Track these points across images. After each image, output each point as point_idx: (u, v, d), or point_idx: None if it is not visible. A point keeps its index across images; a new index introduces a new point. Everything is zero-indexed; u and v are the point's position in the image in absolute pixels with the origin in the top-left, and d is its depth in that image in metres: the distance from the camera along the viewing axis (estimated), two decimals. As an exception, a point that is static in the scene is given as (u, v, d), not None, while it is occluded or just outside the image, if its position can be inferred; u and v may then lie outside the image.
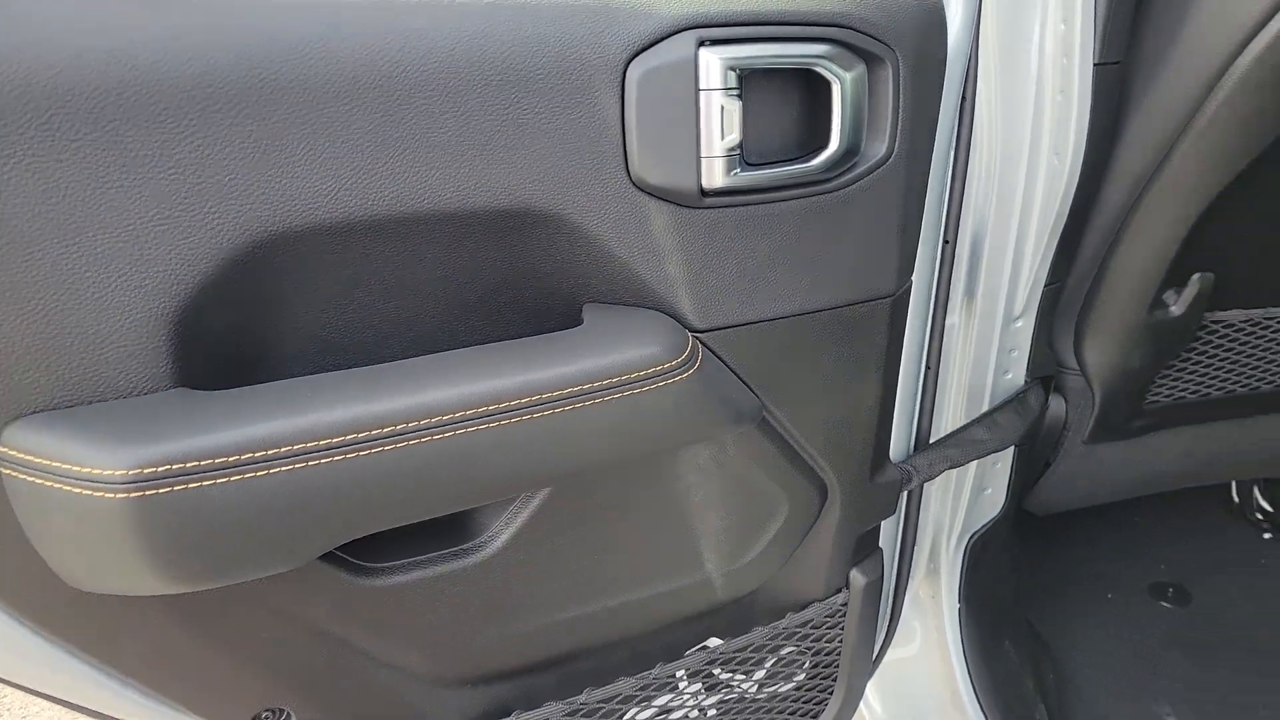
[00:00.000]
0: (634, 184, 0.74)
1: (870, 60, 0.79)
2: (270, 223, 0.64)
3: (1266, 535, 1.79)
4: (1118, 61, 1.05)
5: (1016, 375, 1.22)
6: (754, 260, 0.80)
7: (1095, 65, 1.02)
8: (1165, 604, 1.65)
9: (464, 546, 0.84)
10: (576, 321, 0.78)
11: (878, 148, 0.82)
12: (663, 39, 0.72)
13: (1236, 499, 1.86)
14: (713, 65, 0.73)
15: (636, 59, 0.71)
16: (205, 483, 0.62)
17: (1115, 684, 1.49)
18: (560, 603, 0.90)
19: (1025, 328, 1.19)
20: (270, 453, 0.63)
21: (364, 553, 0.80)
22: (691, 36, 0.72)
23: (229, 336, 0.68)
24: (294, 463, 0.64)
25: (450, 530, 0.84)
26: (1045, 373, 1.27)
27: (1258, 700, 1.44)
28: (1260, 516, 1.82)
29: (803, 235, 0.81)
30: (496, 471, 0.72)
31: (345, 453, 0.65)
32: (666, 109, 0.72)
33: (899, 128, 0.82)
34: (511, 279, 0.77)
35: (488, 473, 0.72)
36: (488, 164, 0.69)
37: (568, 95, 0.70)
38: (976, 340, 1.14)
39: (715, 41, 0.73)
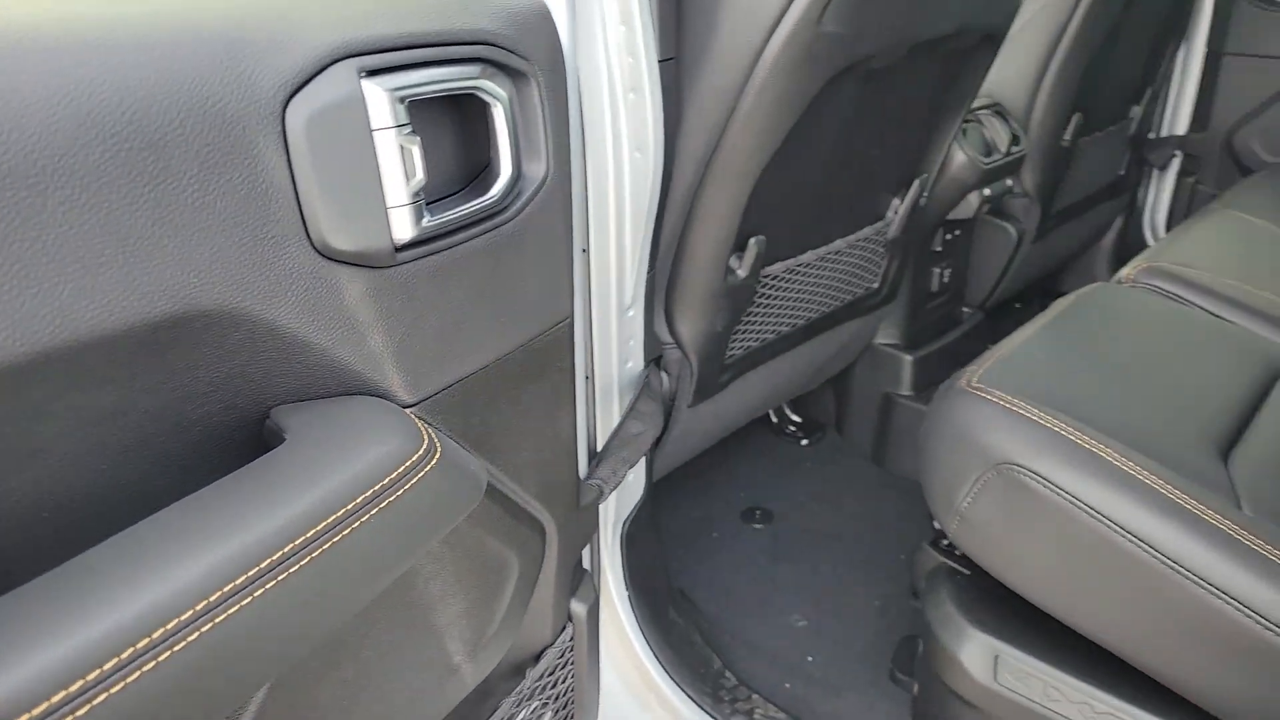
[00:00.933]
0: (319, 253, 0.61)
1: (517, 78, 0.74)
2: None
3: (805, 442, 2.11)
4: (672, 58, 1.12)
5: (637, 363, 1.26)
6: (452, 312, 0.72)
7: (659, 62, 1.08)
8: (757, 525, 1.86)
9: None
10: (270, 442, 0.63)
11: (537, 169, 0.78)
12: (318, 73, 0.59)
13: (774, 419, 2.16)
14: (380, 99, 0.62)
15: (294, 100, 0.58)
16: None
17: (749, 610, 1.65)
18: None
19: (637, 316, 1.23)
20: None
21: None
22: (350, 67, 0.61)
23: None
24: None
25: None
26: (653, 354, 1.34)
27: (860, 589, 1.70)
28: (794, 428, 2.14)
29: (493, 274, 0.75)
30: (232, 679, 0.53)
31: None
32: (341, 158, 0.60)
33: (549, 145, 0.79)
34: (176, 404, 0.59)
35: (219, 683, 0.53)
36: (128, 266, 0.51)
37: (220, 155, 0.55)
38: (598, 336, 1.16)
39: (375, 71, 0.62)
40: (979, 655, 1.18)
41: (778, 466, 2.05)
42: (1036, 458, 1.08)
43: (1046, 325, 1.38)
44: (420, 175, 0.65)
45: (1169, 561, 0.99)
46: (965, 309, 2.20)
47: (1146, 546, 1.00)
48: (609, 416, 1.19)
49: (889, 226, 1.66)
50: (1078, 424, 1.10)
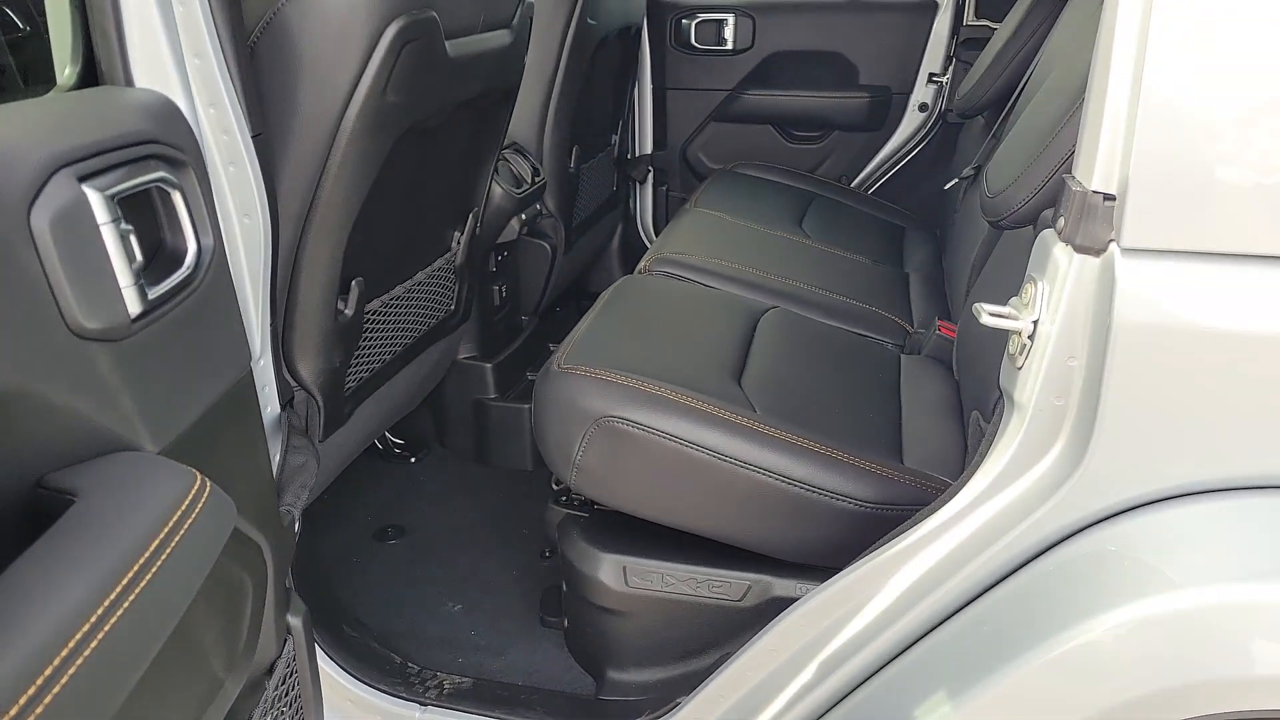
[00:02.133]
0: (74, 334, 0.73)
1: (179, 166, 0.90)
2: None
3: (414, 460, 2.32)
4: (261, 133, 1.29)
5: (274, 407, 1.40)
6: (176, 368, 0.86)
7: (253, 137, 1.25)
8: (393, 541, 2.05)
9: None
10: (51, 505, 0.72)
11: (208, 240, 0.94)
12: (46, 182, 0.72)
13: (380, 445, 2.34)
14: (98, 200, 0.76)
15: (35, 207, 0.70)
16: None
17: (409, 609, 1.84)
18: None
19: (267, 365, 1.37)
20: None
21: None
22: (69, 175, 0.74)
23: None
24: None
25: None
26: (286, 398, 1.48)
27: (497, 566, 1.97)
28: (400, 450, 2.34)
29: (198, 331, 0.89)
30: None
31: None
32: (80, 251, 0.73)
33: (210, 218, 0.95)
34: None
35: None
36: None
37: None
38: None
39: (89, 175, 0.76)
40: (612, 570, 1.52)
41: (396, 487, 2.24)
42: (623, 408, 1.44)
43: (600, 313, 1.76)
44: (139, 258, 0.79)
45: (723, 456, 1.40)
46: (524, 317, 2.57)
47: (707, 450, 1.40)
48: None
49: (455, 256, 1.94)
50: (644, 378, 1.48)
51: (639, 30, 2.89)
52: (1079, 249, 0.93)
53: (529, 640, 1.78)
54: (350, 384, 1.69)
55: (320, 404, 1.58)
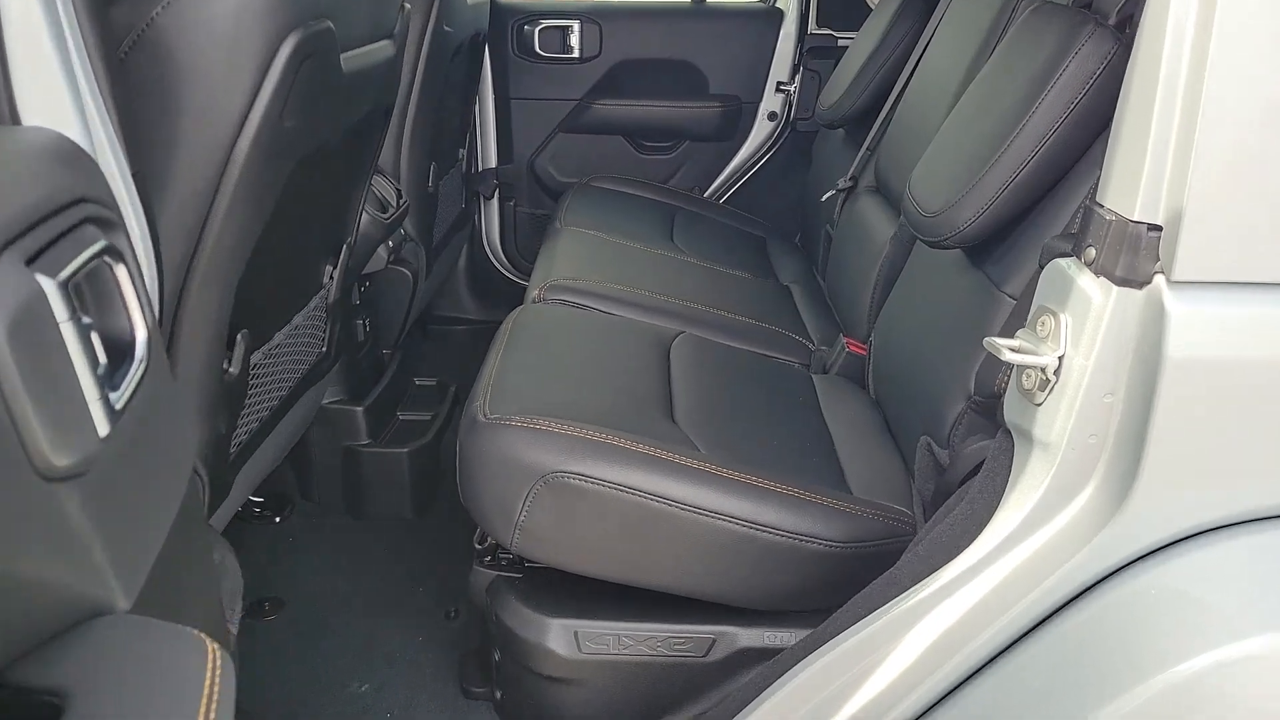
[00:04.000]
0: (43, 477, 0.54)
1: (112, 228, 0.70)
2: None
3: (278, 520, 2.06)
4: (139, 170, 1.07)
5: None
6: (140, 493, 0.67)
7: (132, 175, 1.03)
8: (271, 617, 1.80)
9: None
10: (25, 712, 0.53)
11: (152, 318, 0.74)
12: None
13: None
14: (53, 291, 0.57)
15: None
16: None
17: (307, 697, 1.61)
18: None
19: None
20: None
21: None
22: (15, 258, 0.55)
23: None
24: None
25: None
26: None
27: (398, 636, 1.77)
28: (259, 510, 2.08)
29: (154, 435, 0.70)
30: None
31: None
32: (44, 363, 0.54)
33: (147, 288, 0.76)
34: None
35: None
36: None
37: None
38: None
39: (34, 257, 0.57)
40: (562, 636, 1.38)
41: (264, 553, 1.98)
42: (571, 461, 1.30)
43: (506, 349, 1.61)
44: (103, 359, 0.60)
45: (685, 506, 1.30)
46: (385, 351, 2.35)
47: (668, 501, 1.30)
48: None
49: (329, 292, 1.73)
50: (585, 424, 1.35)
51: (485, 37, 2.73)
52: (1119, 281, 0.90)
53: (453, 716, 1.60)
54: (233, 450, 1.46)
55: (206, 480, 1.35)
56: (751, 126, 3.00)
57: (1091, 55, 1.25)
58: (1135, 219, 0.88)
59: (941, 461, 1.39)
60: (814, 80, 2.91)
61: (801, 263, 2.56)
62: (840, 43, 2.92)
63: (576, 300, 1.91)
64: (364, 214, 1.91)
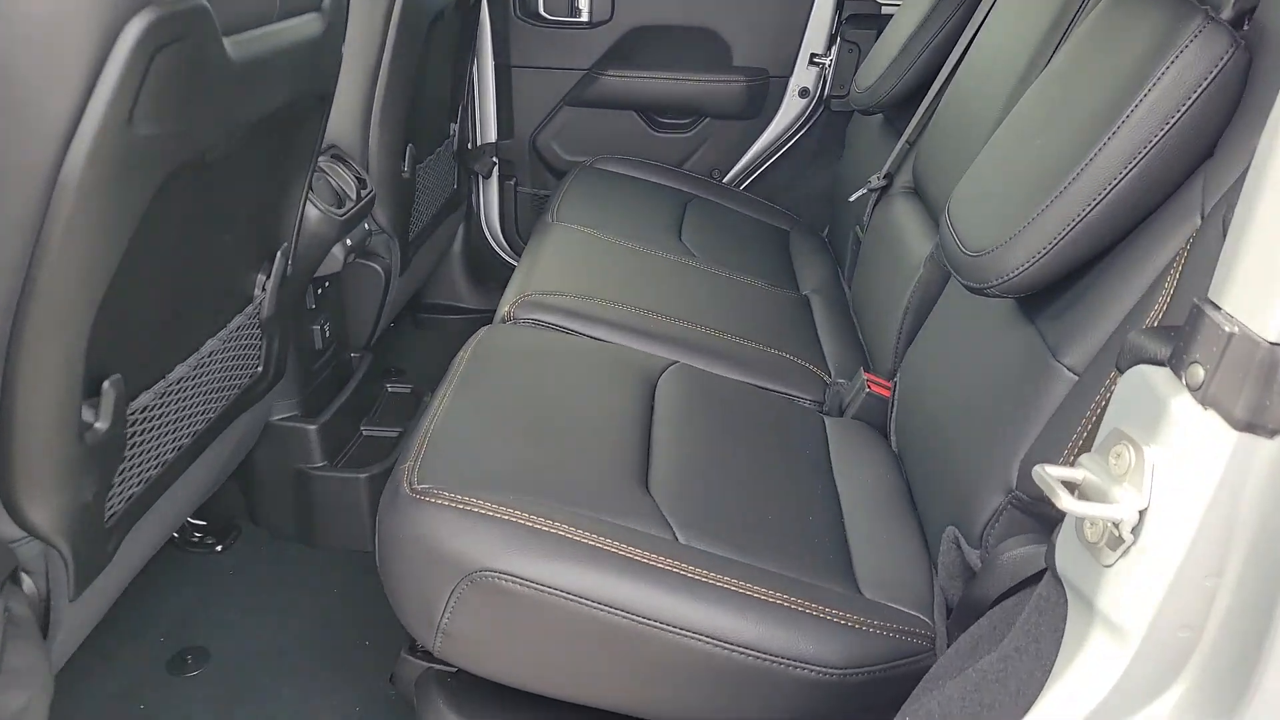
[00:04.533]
0: None
1: None
2: None
3: (220, 549, 1.84)
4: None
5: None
6: None
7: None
8: (192, 673, 1.58)
9: None
10: None
11: None
12: None
13: (175, 533, 1.84)
14: None
15: None
16: None
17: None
18: None
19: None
20: None
21: None
22: None
23: None
24: None
25: None
26: (6, 567, 1.01)
27: (333, 709, 1.54)
28: (200, 535, 1.86)
29: None
30: None
31: None
32: None
33: None
34: None
35: None
36: None
37: None
38: None
39: None
40: (494, 755, 1.14)
41: (197, 588, 1.76)
42: (502, 557, 1.05)
43: (457, 390, 1.35)
44: None
45: (645, 620, 1.04)
46: (353, 355, 2.10)
47: (623, 612, 1.04)
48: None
49: (261, 307, 1.48)
50: (525, 502, 1.09)
51: (479, 1, 2.43)
52: (1240, 424, 0.61)
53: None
54: (116, 509, 1.22)
55: (67, 554, 1.11)
56: (780, 104, 2.68)
57: (1199, 58, 0.95)
58: (1272, 340, 0.59)
59: (971, 563, 1.12)
60: (852, 53, 2.58)
61: (827, 265, 2.27)
62: (885, 10, 2.59)
63: (553, 320, 1.64)
64: (312, 209, 1.66)
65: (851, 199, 2.01)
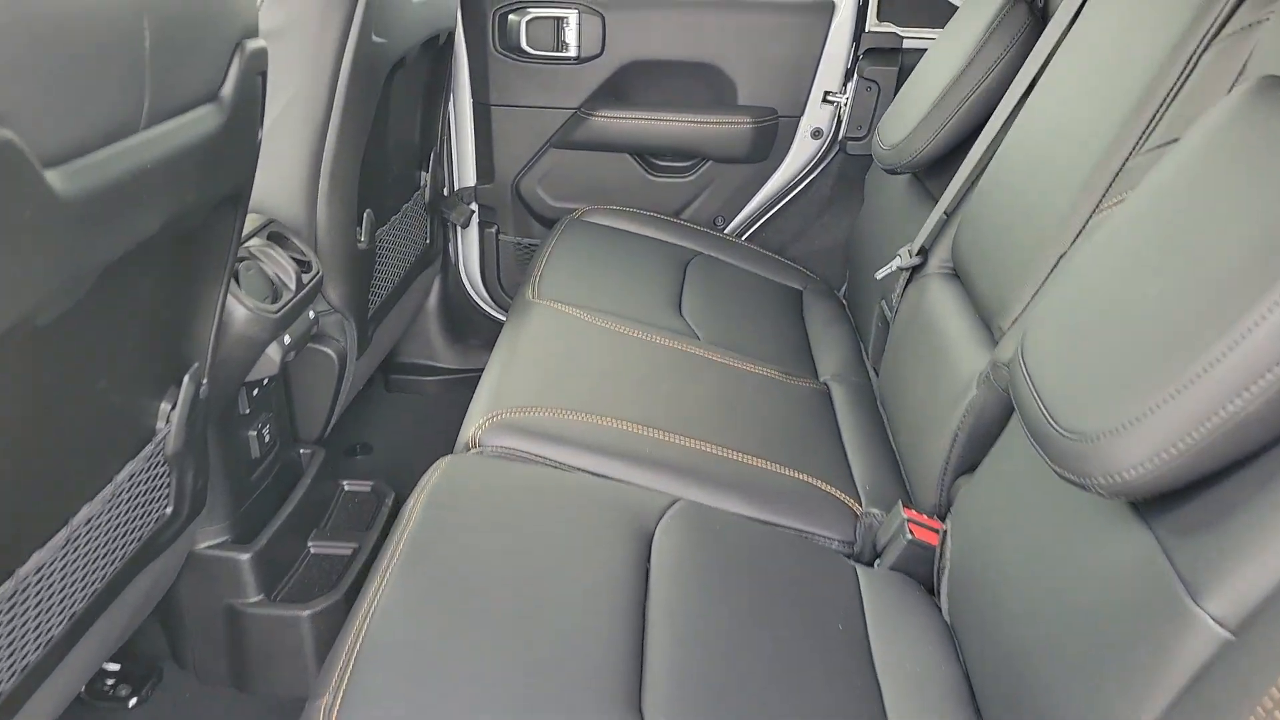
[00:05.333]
0: None
1: None
2: None
3: (134, 702, 1.56)
4: None
5: None
6: None
7: None
8: None
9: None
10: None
11: None
12: None
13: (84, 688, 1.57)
14: None
15: None
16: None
17: None
18: None
19: None
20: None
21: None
22: None
23: None
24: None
25: None
26: None
27: None
28: (113, 682, 1.57)
29: None
30: None
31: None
32: None
33: None
34: None
35: None
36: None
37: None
38: None
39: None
40: None
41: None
42: None
43: (401, 569, 1.07)
44: None
45: None
46: (302, 451, 1.83)
47: None
48: None
49: (165, 442, 1.20)
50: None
51: (451, 35, 2.14)
52: None
53: None
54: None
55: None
56: (790, 146, 2.40)
57: None
58: None
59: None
60: (871, 91, 2.29)
61: (847, 339, 1.99)
62: (907, 44, 2.30)
63: (528, 449, 1.35)
64: (239, 308, 1.38)
65: (879, 276, 1.73)
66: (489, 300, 2.62)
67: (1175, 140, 1.08)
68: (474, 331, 2.64)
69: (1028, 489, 1.08)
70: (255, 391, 1.59)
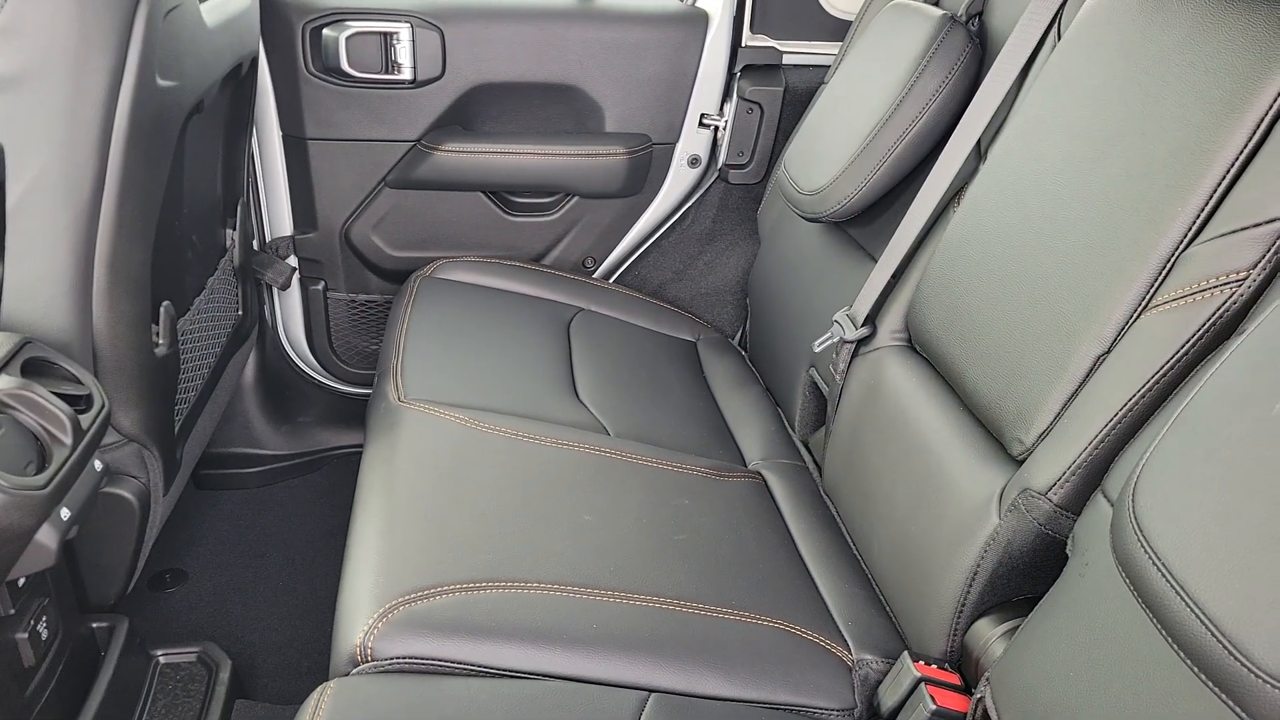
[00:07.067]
0: None
1: None
2: None
3: None
4: None
5: None
6: None
7: None
8: None
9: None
10: None
11: None
12: None
13: None
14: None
15: None
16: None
17: None
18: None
19: None
20: None
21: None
22: None
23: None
24: None
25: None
26: None
27: None
28: None
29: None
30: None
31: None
32: None
33: None
34: None
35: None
36: None
37: None
38: None
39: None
40: None
41: None
42: None
43: None
44: None
45: None
46: (94, 625, 1.38)
47: None
48: None
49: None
50: None
51: (255, 60, 1.71)
52: None
53: None
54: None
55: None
56: (665, 176, 2.11)
57: None
58: None
59: None
60: (753, 114, 2.04)
61: (762, 404, 1.73)
62: (787, 59, 2.06)
63: (440, 656, 0.99)
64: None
65: (818, 348, 1.48)
66: (319, 369, 2.19)
67: (1272, 221, 0.87)
68: (303, 408, 2.21)
69: (1125, 662, 0.84)
70: (22, 582, 1.14)
